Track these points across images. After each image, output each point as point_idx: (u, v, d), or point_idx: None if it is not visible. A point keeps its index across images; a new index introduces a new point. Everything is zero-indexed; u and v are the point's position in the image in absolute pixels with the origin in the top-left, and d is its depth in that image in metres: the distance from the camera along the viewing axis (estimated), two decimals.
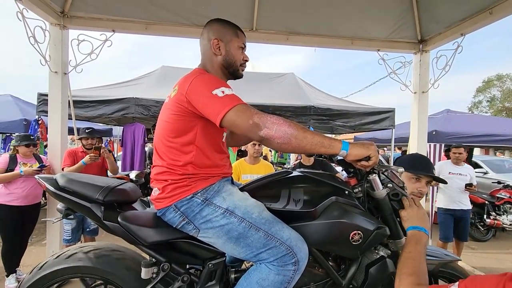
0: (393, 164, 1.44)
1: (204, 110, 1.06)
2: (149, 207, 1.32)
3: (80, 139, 3.29)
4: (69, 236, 2.95)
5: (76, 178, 1.20)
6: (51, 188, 1.15)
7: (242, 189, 1.25)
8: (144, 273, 1.13)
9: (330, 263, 1.20)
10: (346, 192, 1.21)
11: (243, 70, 1.31)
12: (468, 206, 3.94)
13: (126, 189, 1.22)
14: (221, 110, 1.01)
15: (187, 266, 1.25)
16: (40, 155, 3.36)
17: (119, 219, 1.11)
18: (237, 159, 3.73)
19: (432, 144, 5.45)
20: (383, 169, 1.19)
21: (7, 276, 3.02)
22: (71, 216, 1.19)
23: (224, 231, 1.07)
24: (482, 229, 5.66)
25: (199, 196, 1.11)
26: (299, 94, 6.00)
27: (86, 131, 3.30)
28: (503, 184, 6.15)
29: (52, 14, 3.46)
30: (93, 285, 1.27)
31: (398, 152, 9.91)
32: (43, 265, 1.18)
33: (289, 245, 1.03)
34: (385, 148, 12.49)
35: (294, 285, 1.15)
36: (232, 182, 1.29)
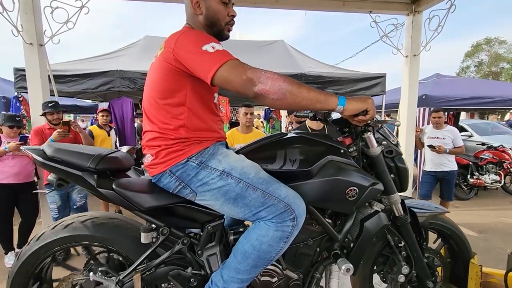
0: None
1: (193, 68, 1.01)
2: (144, 175, 1.30)
3: (44, 114, 3.00)
4: (57, 214, 2.91)
5: (65, 148, 1.15)
6: (39, 159, 1.11)
7: (237, 153, 1.24)
8: (144, 238, 1.13)
9: (327, 219, 1.23)
10: (342, 151, 1.22)
11: (229, 30, 1.20)
12: (451, 167, 4.07)
13: (118, 157, 1.19)
14: (212, 66, 0.96)
15: (187, 231, 1.26)
16: (27, 135, 3.23)
17: (113, 186, 1.08)
18: (229, 129, 3.71)
19: (421, 108, 5.52)
20: (379, 124, 1.18)
21: (6, 253, 3.05)
22: (64, 186, 1.17)
23: (222, 193, 1.07)
24: (466, 189, 5.93)
25: (194, 160, 1.09)
26: (290, 62, 5.87)
27: (49, 105, 3.00)
28: (487, 146, 6.38)
29: None
30: (96, 252, 1.27)
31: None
32: (40, 236, 1.17)
33: (287, 202, 1.04)
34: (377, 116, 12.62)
35: (293, 241, 1.18)
36: (227, 146, 1.28)
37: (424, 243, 1.36)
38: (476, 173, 5.98)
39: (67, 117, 10.52)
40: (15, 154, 2.86)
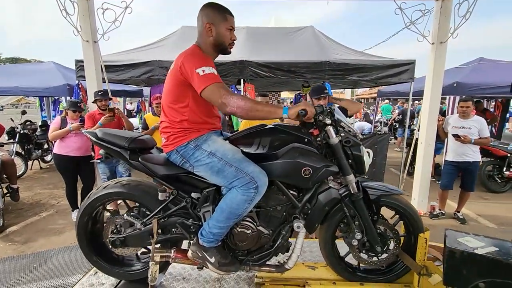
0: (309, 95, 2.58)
1: (190, 82, 1.42)
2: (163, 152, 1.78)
3: (95, 101, 3.61)
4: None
5: (110, 132, 1.67)
6: (93, 139, 1.64)
7: (227, 139, 1.65)
8: (160, 196, 1.63)
9: (292, 191, 1.60)
10: (306, 140, 1.56)
11: (231, 48, 1.60)
12: (474, 158, 3.99)
13: (144, 139, 1.69)
14: (200, 86, 1.38)
15: (192, 195, 1.71)
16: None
17: (139, 159, 1.58)
18: None
19: (452, 97, 5.33)
20: (331, 120, 1.49)
21: (72, 211, 3.92)
22: (109, 158, 1.70)
23: (209, 167, 1.49)
24: (500, 181, 5.66)
25: (192, 143, 1.53)
26: (316, 49, 5.95)
27: (99, 93, 3.61)
28: None
29: None
30: (133, 206, 1.81)
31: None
32: (105, 186, 1.72)
33: (252, 176, 1.43)
34: (416, 102, 11.97)
35: (266, 205, 1.59)
36: (221, 134, 1.69)
37: (375, 216, 1.66)
38: None
39: (119, 99, 11.78)
40: (77, 132, 3.62)
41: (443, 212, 4.36)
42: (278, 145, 1.53)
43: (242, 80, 5.32)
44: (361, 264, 1.84)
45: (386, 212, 1.75)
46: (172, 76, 1.51)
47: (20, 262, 2.22)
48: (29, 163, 6.41)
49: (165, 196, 1.64)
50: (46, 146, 6.73)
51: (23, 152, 6.12)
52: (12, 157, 5.13)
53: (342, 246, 1.83)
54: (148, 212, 1.71)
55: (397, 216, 1.77)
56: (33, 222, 3.96)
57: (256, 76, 5.06)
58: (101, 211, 1.84)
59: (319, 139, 1.60)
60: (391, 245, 1.71)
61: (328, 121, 1.47)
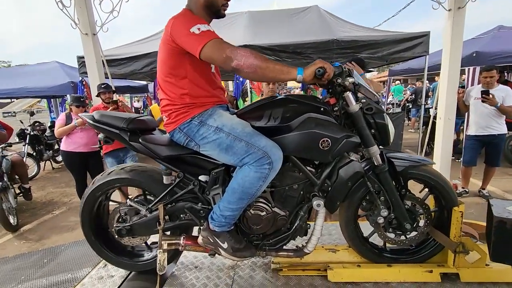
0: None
1: (185, 47, 1.26)
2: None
3: (99, 95, 3.58)
4: None
5: (107, 114, 1.55)
6: (91, 122, 1.52)
7: (236, 113, 1.50)
8: (165, 180, 1.50)
9: (309, 168, 1.44)
10: (322, 109, 1.39)
11: (225, 10, 1.41)
12: (500, 130, 3.73)
13: (144, 120, 1.55)
14: (198, 45, 1.20)
15: (200, 177, 1.58)
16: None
17: (140, 140, 1.45)
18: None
19: (471, 68, 4.99)
20: (350, 83, 1.30)
21: None
22: (109, 142, 1.58)
23: (216, 144, 1.34)
24: None
25: (196, 120, 1.38)
26: (323, 28, 5.67)
27: (102, 86, 3.58)
28: None
29: None
30: (139, 194, 1.69)
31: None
32: (110, 173, 1.61)
33: (264, 150, 1.27)
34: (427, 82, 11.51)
35: (281, 185, 1.45)
36: (228, 109, 1.54)
37: (403, 190, 1.49)
38: None
39: (126, 97, 11.80)
40: (82, 128, 3.55)
41: (467, 190, 4.12)
42: (291, 117, 1.37)
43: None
44: (387, 244, 1.68)
45: (412, 187, 1.58)
46: (163, 45, 1.35)
47: (30, 259, 2.17)
48: (42, 164, 6.46)
49: (171, 179, 1.51)
50: (56, 146, 6.76)
51: (34, 153, 6.16)
52: (24, 158, 5.16)
53: (364, 226, 1.68)
54: (153, 198, 1.60)
55: (427, 189, 1.60)
56: (46, 220, 3.96)
57: None
58: (104, 201, 1.73)
59: (336, 108, 1.43)
60: (421, 221, 1.54)
61: (351, 80, 1.27)
